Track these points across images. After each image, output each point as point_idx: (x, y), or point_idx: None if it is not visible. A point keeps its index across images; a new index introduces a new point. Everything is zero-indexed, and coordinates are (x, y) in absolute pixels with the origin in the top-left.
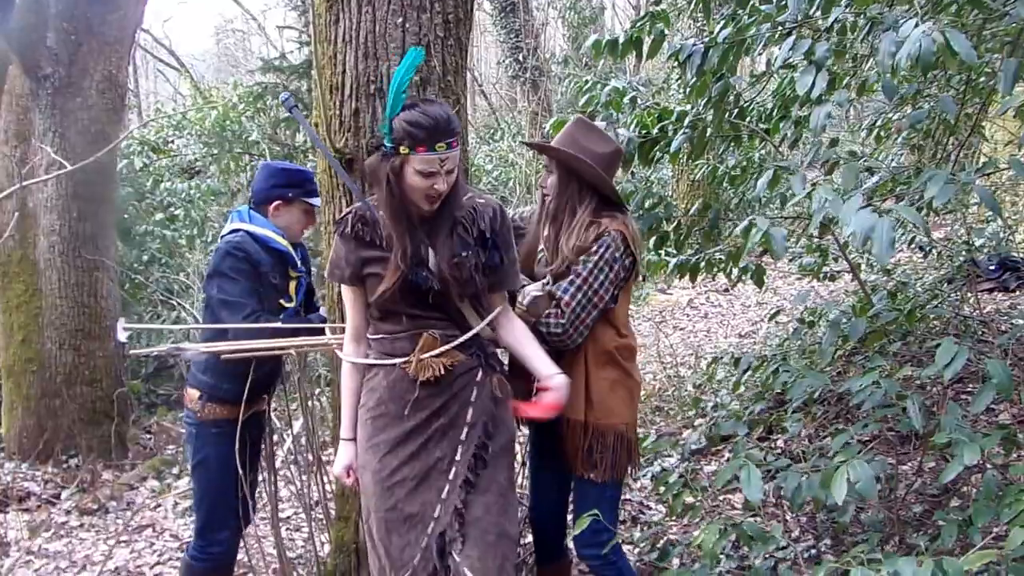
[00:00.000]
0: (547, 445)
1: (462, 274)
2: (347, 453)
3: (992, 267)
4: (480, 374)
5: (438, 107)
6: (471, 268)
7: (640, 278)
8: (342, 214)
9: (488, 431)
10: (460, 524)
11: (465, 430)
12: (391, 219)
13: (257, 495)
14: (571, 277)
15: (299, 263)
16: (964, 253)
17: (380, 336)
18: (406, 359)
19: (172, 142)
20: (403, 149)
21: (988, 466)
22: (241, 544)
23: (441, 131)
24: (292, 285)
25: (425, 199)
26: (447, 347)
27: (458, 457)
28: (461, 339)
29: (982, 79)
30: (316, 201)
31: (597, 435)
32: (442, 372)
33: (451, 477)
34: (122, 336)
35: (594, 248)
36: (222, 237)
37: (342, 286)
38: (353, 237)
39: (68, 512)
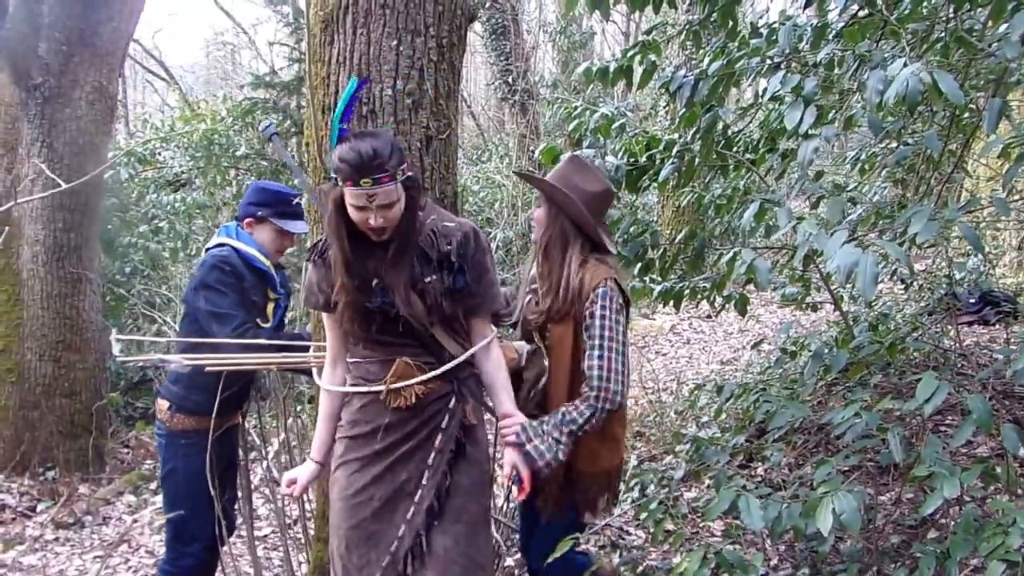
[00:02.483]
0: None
1: (426, 300)
2: (306, 470)
3: (972, 300)
4: (452, 401)
5: (370, 142)
6: (436, 293)
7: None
8: (315, 241)
9: (456, 459)
10: (423, 549)
11: (433, 455)
12: (335, 247)
13: (236, 512)
14: (590, 344)
15: (278, 286)
16: (945, 286)
17: (356, 360)
18: (378, 386)
19: (159, 154)
20: (339, 181)
21: (967, 499)
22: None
23: (366, 167)
24: (270, 307)
25: (369, 230)
26: (423, 377)
27: (424, 481)
28: (441, 370)
29: (967, 115)
30: (289, 224)
31: (579, 480)
32: (414, 400)
33: (416, 500)
34: (116, 350)
35: (597, 302)
36: (207, 250)
37: (323, 314)
38: (324, 264)
39: (43, 526)
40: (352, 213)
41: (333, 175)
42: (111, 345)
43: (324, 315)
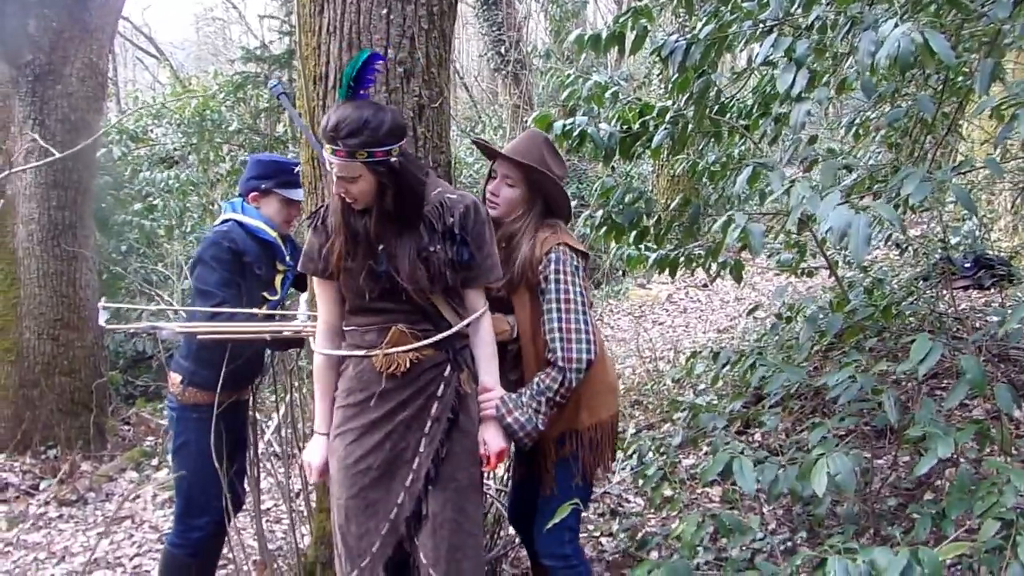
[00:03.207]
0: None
1: (430, 269)
2: (317, 447)
3: (967, 265)
4: (448, 369)
5: (345, 111)
6: (440, 263)
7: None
8: (316, 207)
9: (452, 427)
10: (420, 515)
11: (429, 423)
12: (339, 209)
13: (244, 487)
14: (547, 309)
15: (287, 257)
16: (940, 251)
17: (351, 328)
18: (373, 351)
19: (151, 131)
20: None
21: (962, 460)
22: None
23: (328, 134)
24: (278, 279)
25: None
26: (418, 344)
27: (422, 449)
28: (435, 338)
29: (960, 78)
30: (293, 193)
31: (583, 436)
32: (408, 367)
33: (414, 467)
34: (102, 319)
35: (550, 266)
36: (214, 228)
37: (315, 280)
38: (324, 230)
39: (47, 503)
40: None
41: None
42: (106, 319)
43: (318, 284)
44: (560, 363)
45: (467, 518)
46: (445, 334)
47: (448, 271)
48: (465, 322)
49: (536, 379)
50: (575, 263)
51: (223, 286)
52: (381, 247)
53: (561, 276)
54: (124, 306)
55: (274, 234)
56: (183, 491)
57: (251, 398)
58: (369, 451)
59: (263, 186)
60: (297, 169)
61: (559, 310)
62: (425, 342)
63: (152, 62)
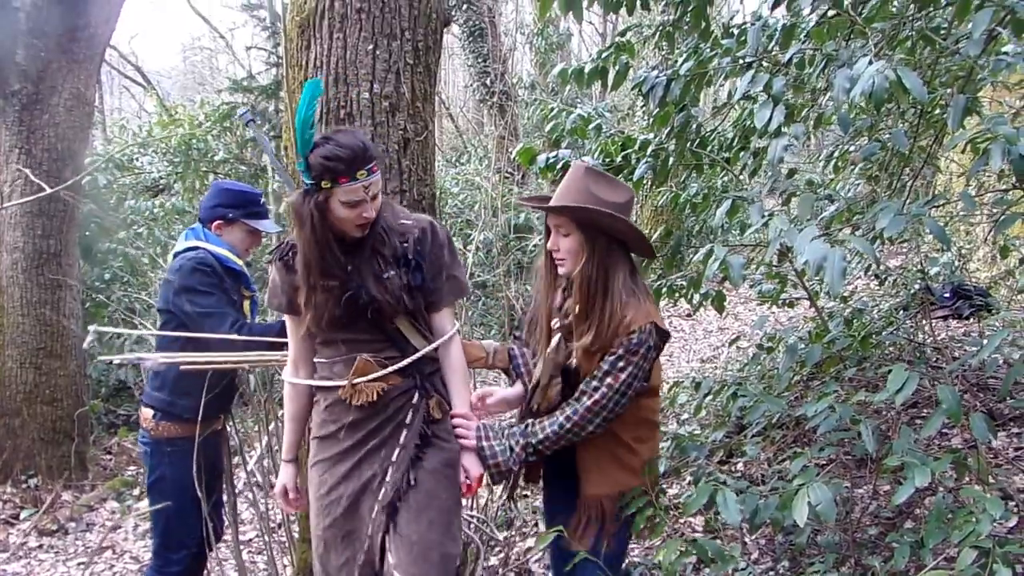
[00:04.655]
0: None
1: (388, 295)
2: (285, 474)
3: (946, 295)
4: (416, 396)
5: (351, 136)
6: (395, 288)
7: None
8: (276, 244)
9: (420, 454)
10: (391, 532)
11: (397, 451)
12: (312, 254)
13: (225, 516)
14: (596, 371)
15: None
16: (919, 281)
17: (321, 360)
18: (339, 383)
19: (137, 159)
20: (325, 184)
21: (940, 489)
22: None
23: (359, 160)
24: (246, 305)
25: (356, 227)
26: (383, 372)
27: (387, 478)
28: (402, 363)
29: (937, 111)
30: (260, 224)
31: (592, 505)
32: (375, 398)
33: (379, 497)
34: (86, 343)
35: (630, 346)
36: (178, 254)
37: (285, 316)
38: (284, 267)
39: (27, 533)
40: (343, 212)
41: (313, 181)
42: (90, 342)
43: (288, 317)
44: (564, 419)
45: (450, 538)
46: (411, 359)
47: (405, 295)
48: (432, 346)
49: (531, 420)
50: (650, 344)
51: (227, 306)
52: (350, 268)
53: (631, 356)
54: (117, 330)
55: (239, 262)
56: (160, 526)
57: (224, 428)
58: (339, 481)
59: (230, 215)
60: (263, 200)
61: (605, 384)
62: (391, 368)
63: (139, 90)
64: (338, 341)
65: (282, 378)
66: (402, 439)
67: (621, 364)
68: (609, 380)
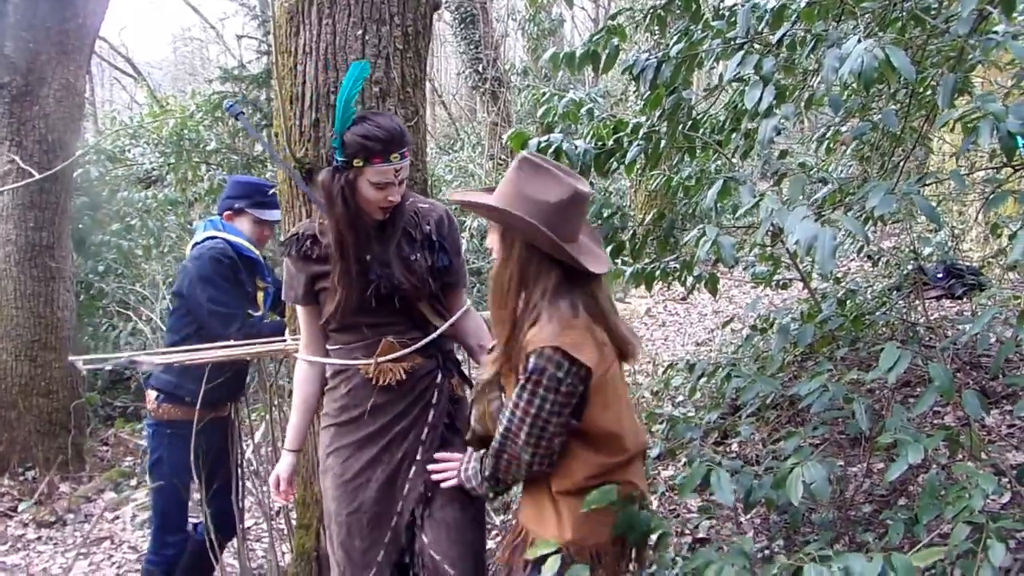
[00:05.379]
0: None
1: (415, 277)
2: (284, 464)
3: (939, 275)
4: (439, 376)
5: (388, 119)
6: (422, 271)
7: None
8: (286, 236)
9: (448, 433)
10: (425, 516)
11: (426, 431)
12: (347, 231)
13: (241, 505)
14: (512, 398)
15: (267, 274)
16: (912, 261)
17: (338, 347)
18: (366, 362)
19: (129, 151)
20: (357, 162)
21: (933, 466)
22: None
23: (395, 142)
24: (260, 295)
25: (379, 209)
26: (408, 350)
27: (419, 457)
28: (424, 341)
29: (928, 92)
30: (266, 214)
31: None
32: (403, 376)
33: (411, 476)
34: (82, 368)
35: (528, 371)
36: (196, 244)
37: (297, 307)
38: (300, 257)
39: (25, 525)
40: (370, 193)
41: (345, 158)
42: (83, 351)
43: (299, 310)
44: (496, 444)
45: (472, 518)
46: (436, 333)
47: (430, 278)
48: (453, 318)
49: (485, 453)
50: (552, 374)
51: (237, 303)
52: (369, 256)
53: (528, 388)
54: (101, 356)
55: (256, 251)
56: (158, 507)
57: (231, 416)
58: (367, 465)
59: (236, 205)
60: (272, 191)
61: (509, 427)
62: (417, 345)
63: (129, 82)
64: (361, 325)
65: (297, 357)
66: (430, 418)
67: (525, 391)
68: (513, 407)
